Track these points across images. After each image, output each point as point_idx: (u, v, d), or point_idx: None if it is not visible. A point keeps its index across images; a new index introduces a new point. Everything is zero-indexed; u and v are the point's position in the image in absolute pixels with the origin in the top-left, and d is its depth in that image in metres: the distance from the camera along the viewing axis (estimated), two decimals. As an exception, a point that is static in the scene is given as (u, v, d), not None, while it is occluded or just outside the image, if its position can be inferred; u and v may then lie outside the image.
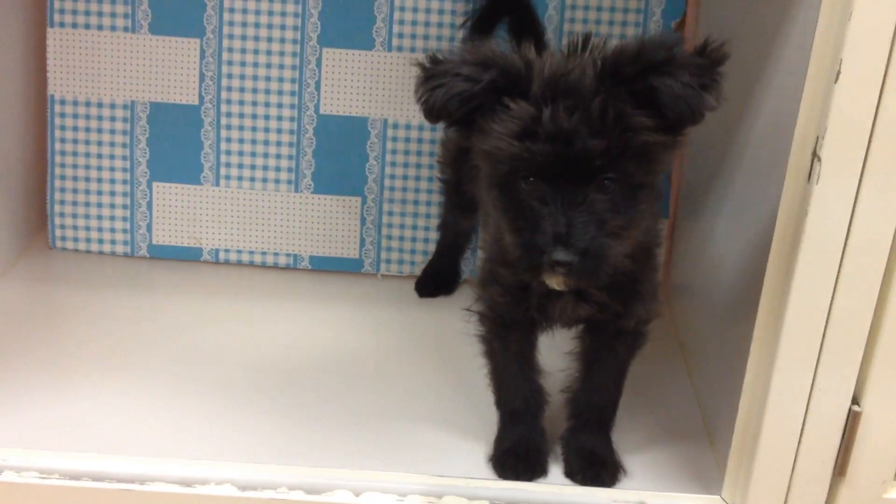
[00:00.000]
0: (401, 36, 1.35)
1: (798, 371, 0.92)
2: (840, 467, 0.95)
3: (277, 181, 1.41)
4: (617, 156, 0.81)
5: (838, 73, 0.82)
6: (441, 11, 1.34)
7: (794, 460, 0.95)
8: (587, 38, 0.85)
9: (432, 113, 0.85)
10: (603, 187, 0.82)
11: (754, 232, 1.01)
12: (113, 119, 1.39)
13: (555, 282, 0.86)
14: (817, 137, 0.85)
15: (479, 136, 0.86)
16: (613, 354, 1.02)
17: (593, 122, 0.80)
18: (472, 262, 1.43)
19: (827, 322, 0.90)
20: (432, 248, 1.42)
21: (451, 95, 0.84)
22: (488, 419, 1.09)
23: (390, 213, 1.42)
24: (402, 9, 1.34)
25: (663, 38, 0.82)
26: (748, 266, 1.02)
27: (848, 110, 0.82)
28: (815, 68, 0.84)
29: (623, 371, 1.04)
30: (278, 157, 1.40)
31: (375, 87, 1.37)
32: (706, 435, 1.12)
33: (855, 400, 0.93)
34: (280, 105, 1.38)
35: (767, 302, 0.92)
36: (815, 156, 0.85)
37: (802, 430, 0.94)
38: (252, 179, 1.41)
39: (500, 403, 1.07)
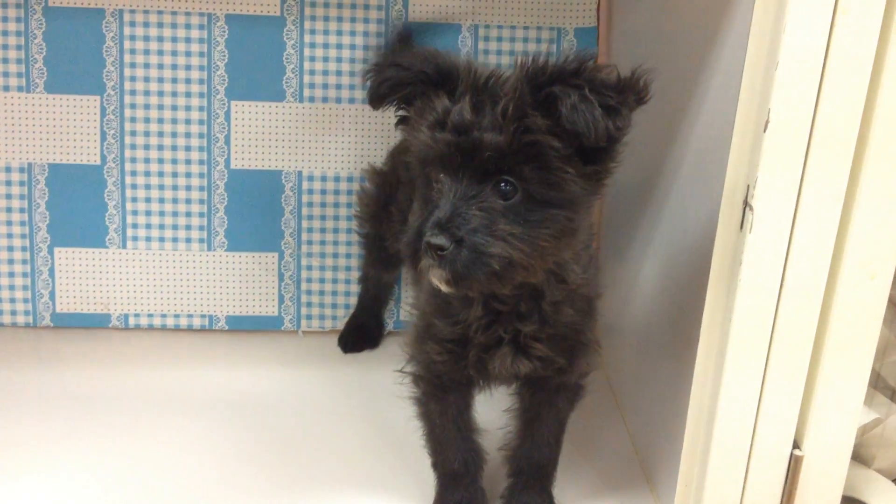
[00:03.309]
0: (312, 86, 1.31)
1: (739, 419, 0.91)
2: (784, 511, 0.95)
3: (189, 240, 1.35)
4: (511, 154, 0.80)
5: (767, 122, 0.82)
6: (353, 60, 1.30)
7: (739, 507, 0.95)
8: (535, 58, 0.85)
9: (369, 95, 0.90)
10: (500, 190, 0.82)
11: (684, 274, 1.00)
12: (9, 183, 1.32)
13: (433, 274, 0.84)
14: (748, 186, 0.85)
15: (409, 129, 0.88)
16: (554, 410, 1.00)
17: (494, 118, 0.81)
18: (396, 314, 1.40)
19: (765, 369, 0.90)
20: (354, 301, 1.39)
21: (383, 80, 0.88)
22: (424, 482, 1.05)
23: (309, 268, 1.38)
24: (313, 59, 1.30)
25: (582, 53, 0.81)
26: (678, 308, 1.01)
27: (778, 159, 0.82)
28: (743, 117, 0.84)
29: (563, 425, 1.03)
30: (188, 215, 1.35)
31: (288, 138, 1.33)
32: (646, 482, 1.11)
33: (796, 444, 0.93)
34: (188, 161, 1.33)
35: (705, 350, 0.92)
36: (746, 205, 0.85)
37: (746, 476, 0.94)
38: (161, 240, 1.35)
39: (438, 466, 1.04)
